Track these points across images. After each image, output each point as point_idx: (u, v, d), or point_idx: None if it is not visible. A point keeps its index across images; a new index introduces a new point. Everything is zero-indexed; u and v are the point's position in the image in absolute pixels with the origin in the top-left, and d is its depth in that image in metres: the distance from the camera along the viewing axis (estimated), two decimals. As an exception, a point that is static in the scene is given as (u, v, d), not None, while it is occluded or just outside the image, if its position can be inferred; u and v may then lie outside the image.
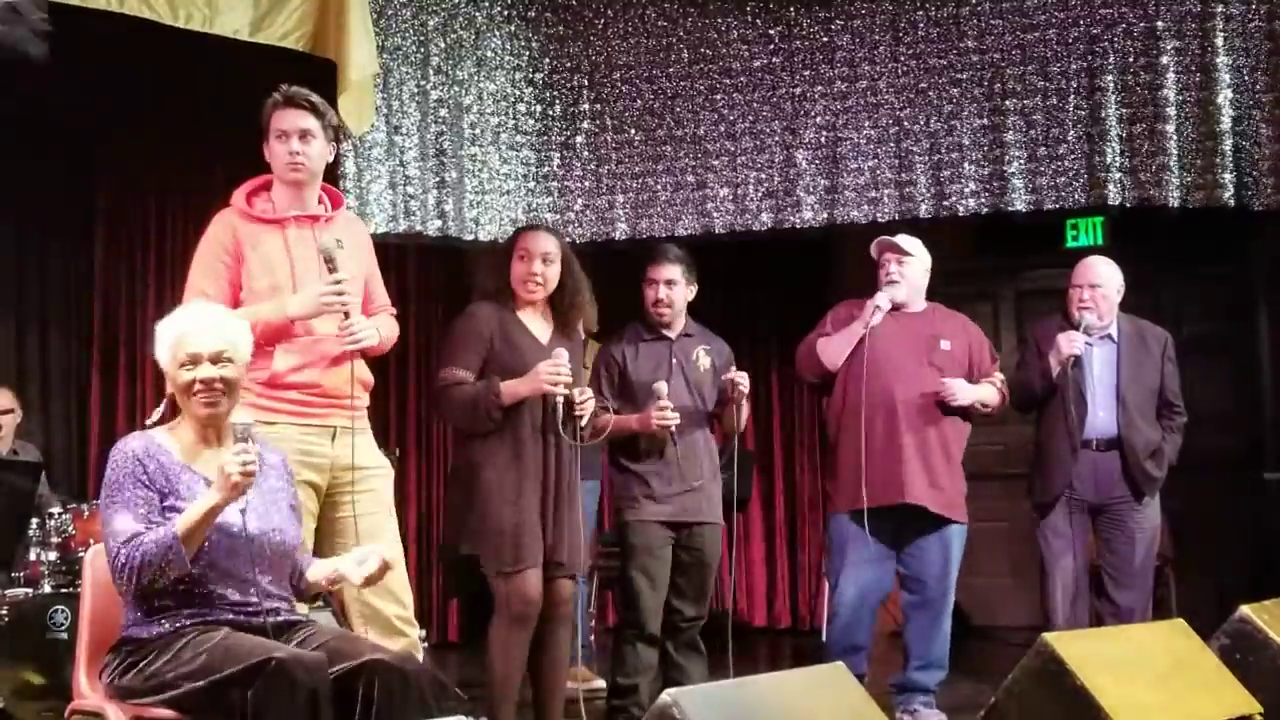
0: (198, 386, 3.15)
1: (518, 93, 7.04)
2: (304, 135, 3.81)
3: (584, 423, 4.26)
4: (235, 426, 3.03)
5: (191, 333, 3.19)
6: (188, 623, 3.03)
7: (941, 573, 5.03)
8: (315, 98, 3.89)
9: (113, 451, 3.16)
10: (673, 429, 4.67)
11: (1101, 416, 5.12)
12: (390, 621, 3.78)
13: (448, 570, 4.55)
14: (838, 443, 5.04)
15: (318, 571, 3.32)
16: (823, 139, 6.84)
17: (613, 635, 4.66)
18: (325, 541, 3.78)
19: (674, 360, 4.83)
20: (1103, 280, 5.21)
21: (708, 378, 4.90)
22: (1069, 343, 5.07)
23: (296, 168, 3.80)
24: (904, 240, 5.20)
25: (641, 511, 4.72)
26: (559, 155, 7.09)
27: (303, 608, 3.48)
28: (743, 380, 4.78)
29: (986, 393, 5.07)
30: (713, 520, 4.84)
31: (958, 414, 5.07)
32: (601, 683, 6.07)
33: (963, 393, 4.98)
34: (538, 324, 4.32)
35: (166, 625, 3.03)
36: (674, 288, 4.85)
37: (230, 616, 3.06)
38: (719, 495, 4.89)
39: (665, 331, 4.87)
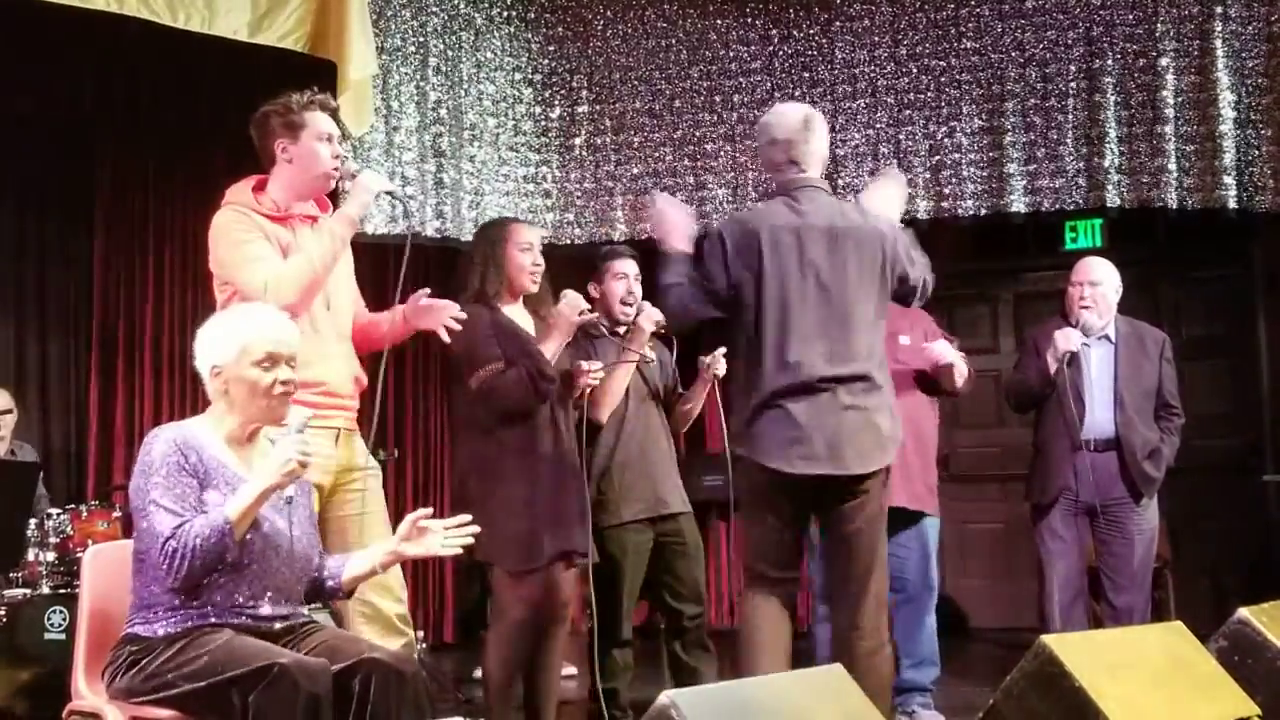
0: (280, 389, 3.13)
1: (517, 94, 7.05)
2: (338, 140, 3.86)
3: (595, 379, 4.40)
4: (292, 422, 3.06)
5: (271, 333, 3.17)
6: (193, 624, 3.02)
7: (922, 568, 5.06)
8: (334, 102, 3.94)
9: (148, 439, 3.12)
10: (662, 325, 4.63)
11: (1099, 417, 5.11)
12: (391, 620, 3.78)
13: (469, 577, 4.52)
14: None
15: (360, 565, 3.32)
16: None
17: (588, 640, 4.62)
18: (325, 541, 3.77)
19: (626, 355, 4.81)
20: (1102, 278, 5.21)
21: (656, 370, 4.89)
22: (1065, 339, 5.08)
23: (335, 172, 3.82)
24: None
25: (619, 515, 4.67)
26: (558, 157, 7.10)
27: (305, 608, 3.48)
28: (719, 363, 4.68)
29: (960, 361, 5.11)
30: (686, 510, 4.82)
31: (926, 391, 5.10)
32: (572, 669, 6.07)
33: (946, 352, 5.01)
34: (520, 316, 4.36)
35: (172, 626, 3.03)
36: (638, 282, 4.86)
37: (238, 621, 3.06)
38: (680, 484, 4.86)
39: (616, 329, 4.84)
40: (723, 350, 4.61)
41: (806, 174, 3.93)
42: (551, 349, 4.28)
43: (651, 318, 4.65)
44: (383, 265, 6.14)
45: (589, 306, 4.37)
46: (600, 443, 4.69)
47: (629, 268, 4.85)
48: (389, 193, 3.93)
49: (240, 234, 3.68)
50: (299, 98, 3.79)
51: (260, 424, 3.19)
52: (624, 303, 4.80)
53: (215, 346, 3.16)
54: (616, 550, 4.63)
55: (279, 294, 3.58)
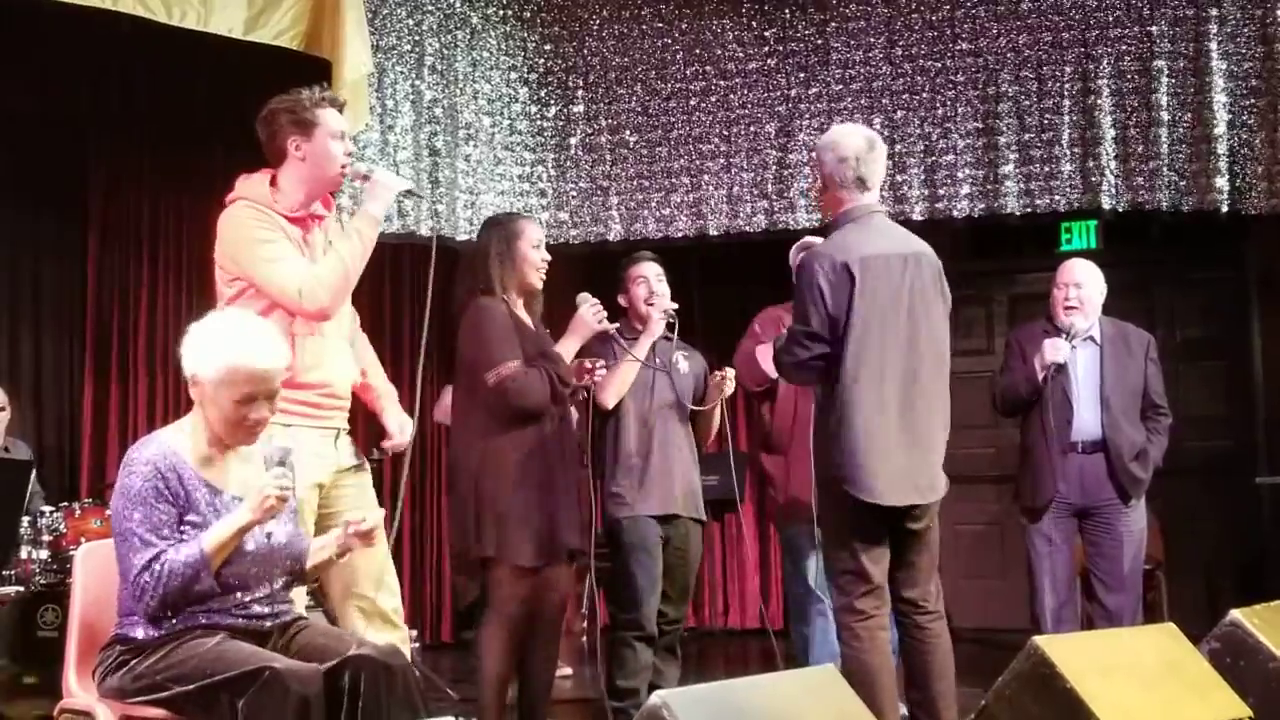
0: (249, 424, 3.11)
1: (512, 93, 7.05)
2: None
3: (596, 377, 4.48)
4: (277, 450, 3.03)
5: (259, 366, 3.08)
6: (182, 626, 3.02)
7: None
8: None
9: (129, 458, 3.09)
10: (670, 313, 4.78)
11: (1086, 419, 5.12)
12: (386, 615, 3.78)
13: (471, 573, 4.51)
14: (790, 453, 5.01)
15: (319, 554, 3.30)
16: (817, 141, 6.85)
17: (609, 635, 4.62)
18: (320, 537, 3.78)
19: (657, 359, 4.85)
20: (1086, 280, 5.23)
21: (687, 381, 4.93)
22: (1054, 350, 5.09)
23: (345, 171, 3.81)
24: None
25: (634, 507, 4.71)
26: (553, 156, 7.10)
27: (299, 606, 3.48)
28: (729, 377, 4.86)
29: None
30: (698, 517, 4.86)
31: None
32: (568, 670, 6.08)
33: None
34: (522, 312, 4.37)
35: (162, 628, 3.02)
36: (662, 283, 4.91)
37: (229, 621, 3.05)
38: (700, 493, 4.91)
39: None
40: (731, 371, 4.83)
41: (872, 194, 4.08)
42: (568, 353, 4.32)
43: (661, 307, 4.75)
44: (378, 263, 6.13)
45: (606, 312, 4.43)
46: (622, 438, 4.75)
47: (648, 270, 4.93)
48: (409, 192, 3.93)
49: (261, 231, 3.63)
50: (310, 94, 3.75)
51: (231, 444, 3.17)
52: (649, 304, 4.87)
53: (200, 359, 3.10)
54: (633, 539, 4.66)
55: (314, 297, 3.57)
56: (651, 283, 4.89)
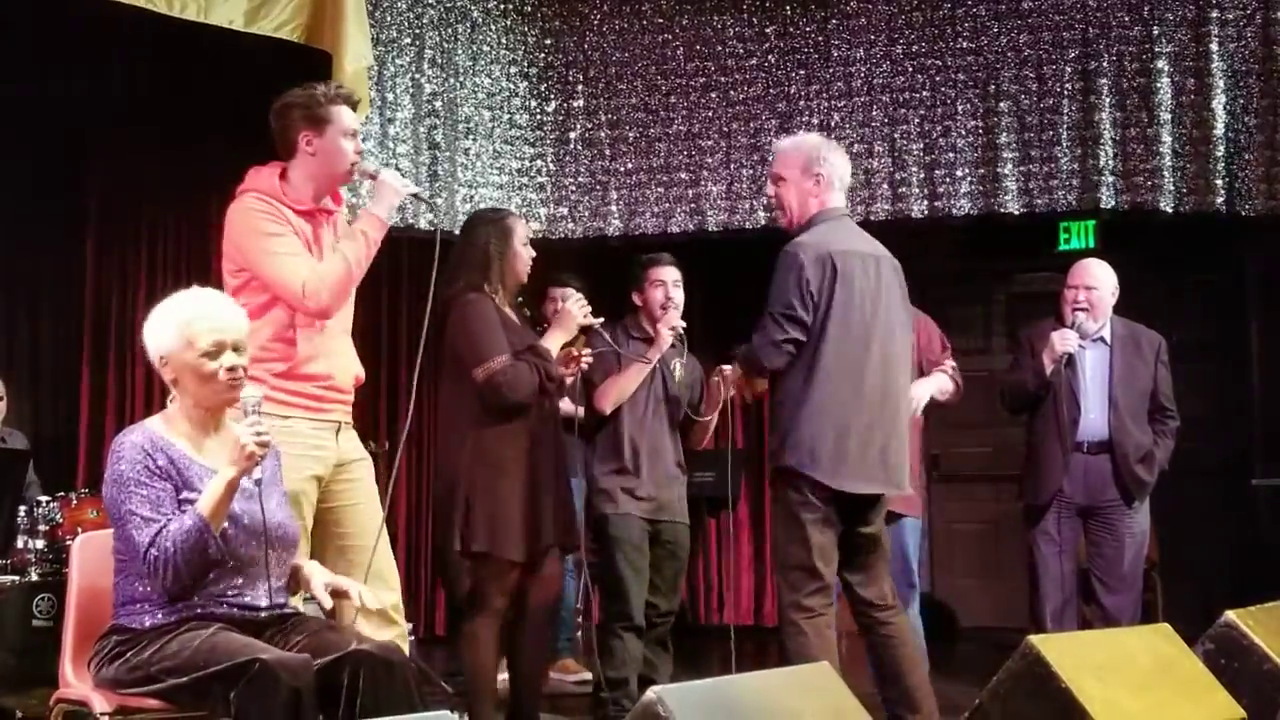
0: (225, 375, 3.09)
1: (512, 87, 7.05)
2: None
3: (584, 365, 4.49)
4: (245, 400, 3.03)
5: (212, 319, 3.12)
6: (178, 616, 3.02)
7: (903, 568, 5.06)
8: None
9: (115, 445, 3.09)
10: (680, 330, 4.80)
11: (1093, 419, 5.12)
12: (386, 613, 3.78)
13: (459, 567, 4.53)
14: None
15: (319, 578, 3.27)
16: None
17: (598, 628, 4.64)
18: (320, 530, 3.77)
19: (656, 363, 4.85)
20: (1098, 282, 5.22)
21: (682, 388, 4.93)
22: (1062, 340, 5.08)
23: (353, 169, 3.80)
24: None
25: (620, 506, 4.73)
26: (553, 151, 7.10)
27: (295, 601, 3.47)
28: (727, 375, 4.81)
29: (940, 382, 5.07)
30: (683, 520, 4.88)
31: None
32: (589, 675, 6.07)
33: (924, 396, 4.96)
34: (507, 309, 4.38)
35: (159, 617, 3.02)
36: (679, 288, 4.90)
37: (223, 610, 3.05)
38: (685, 497, 4.92)
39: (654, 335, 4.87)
40: (729, 368, 4.66)
41: (838, 198, 4.22)
42: (554, 348, 4.32)
43: (669, 323, 4.73)
44: (377, 257, 6.11)
45: (590, 308, 4.44)
46: (613, 438, 4.77)
47: (667, 274, 4.90)
48: (415, 195, 3.96)
49: (269, 225, 3.64)
50: (326, 90, 3.76)
51: (215, 408, 3.16)
52: (664, 309, 4.84)
53: (161, 336, 3.12)
54: (619, 533, 4.69)
55: (317, 295, 3.59)
56: (669, 289, 4.86)
